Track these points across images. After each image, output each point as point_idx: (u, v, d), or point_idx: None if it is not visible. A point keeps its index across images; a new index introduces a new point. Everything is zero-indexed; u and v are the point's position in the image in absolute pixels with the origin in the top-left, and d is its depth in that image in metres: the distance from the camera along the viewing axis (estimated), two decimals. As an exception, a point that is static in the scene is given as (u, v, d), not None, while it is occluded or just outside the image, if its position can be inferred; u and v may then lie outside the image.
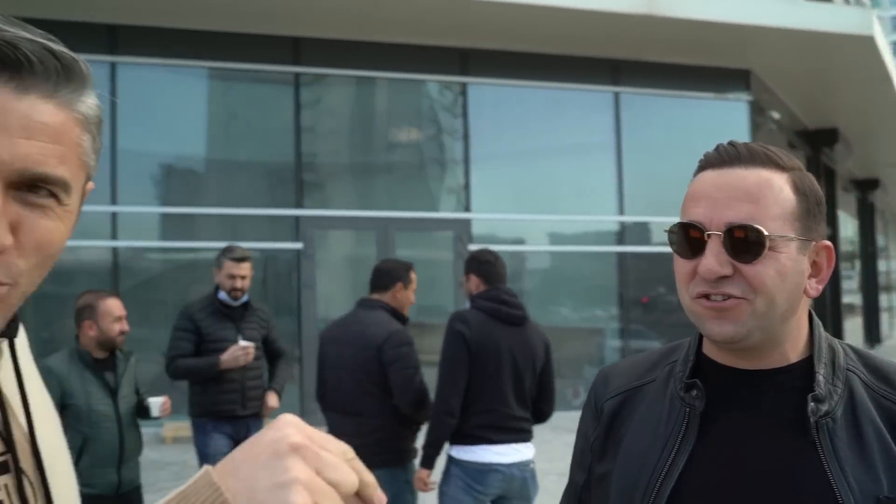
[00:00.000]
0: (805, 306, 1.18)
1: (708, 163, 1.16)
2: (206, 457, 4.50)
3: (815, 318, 1.20)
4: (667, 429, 1.17)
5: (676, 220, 1.17)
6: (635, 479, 1.16)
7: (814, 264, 1.15)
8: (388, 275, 3.99)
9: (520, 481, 3.71)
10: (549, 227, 10.84)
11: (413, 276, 4.04)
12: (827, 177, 16.90)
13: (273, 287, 9.89)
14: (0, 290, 0.71)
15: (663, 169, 11.30)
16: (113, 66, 9.21)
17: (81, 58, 0.75)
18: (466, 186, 10.44)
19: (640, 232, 11.38)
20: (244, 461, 0.64)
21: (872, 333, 23.07)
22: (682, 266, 1.14)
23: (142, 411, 3.89)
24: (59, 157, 0.71)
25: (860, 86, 13.02)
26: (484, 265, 3.86)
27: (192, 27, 9.17)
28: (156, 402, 3.88)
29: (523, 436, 3.74)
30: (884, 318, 25.85)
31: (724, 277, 1.08)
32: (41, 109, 0.70)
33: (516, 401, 3.70)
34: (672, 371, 1.23)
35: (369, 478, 0.69)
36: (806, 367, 1.14)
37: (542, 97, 10.85)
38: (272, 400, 4.75)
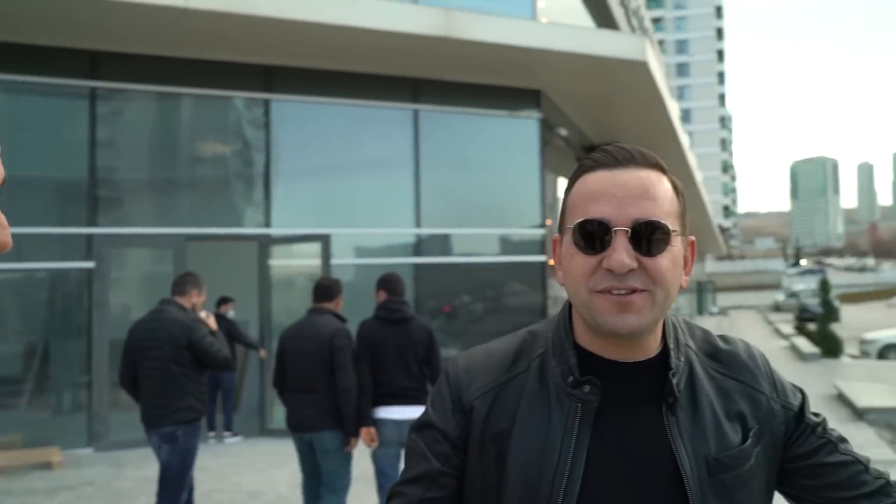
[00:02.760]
0: None
1: (599, 164, 1.19)
2: None
3: None
4: (561, 426, 1.17)
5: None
6: (536, 480, 1.15)
7: (684, 257, 1.22)
8: (330, 289, 5.27)
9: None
10: (351, 241, 11.00)
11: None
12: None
13: (62, 307, 9.43)
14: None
15: (459, 183, 11.83)
16: None
17: None
18: (267, 201, 10.44)
19: (437, 243, 11.81)
20: None
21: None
22: (582, 262, 1.15)
23: None
24: None
25: (637, 106, 14.19)
26: (389, 283, 5.27)
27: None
28: None
29: (411, 400, 5.05)
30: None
31: (630, 271, 1.11)
32: None
33: (406, 375, 5.07)
34: (544, 364, 1.24)
35: None
36: (663, 354, 1.22)
37: (345, 114, 11.06)
38: None
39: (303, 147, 10.91)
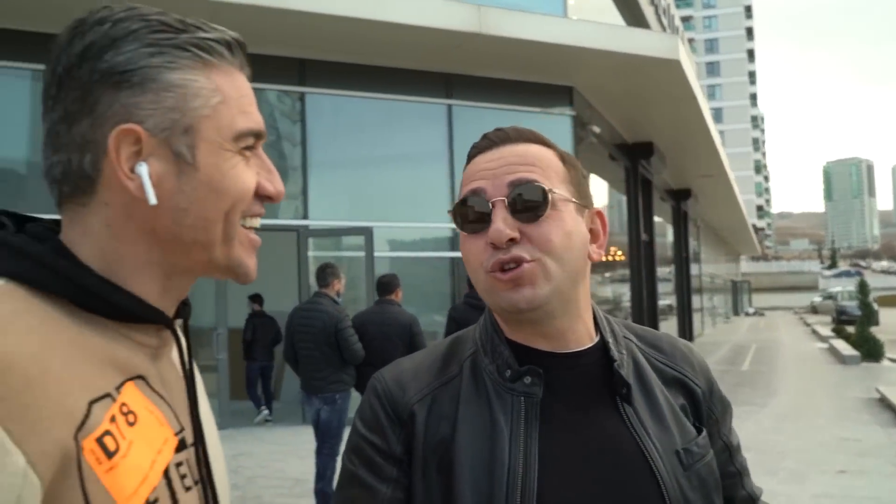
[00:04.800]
0: (589, 277, 1.19)
1: (478, 149, 1.15)
2: None
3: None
4: (506, 424, 1.08)
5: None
6: (488, 486, 1.04)
7: (591, 231, 1.15)
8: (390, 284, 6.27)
9: None
10: (386, 234, 11.14)
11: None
12: (644, 187, 18.22)
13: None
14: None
15: (493, 178, 11.91)
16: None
17: None
18: (304, 193, 10.62)
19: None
20: None
21: (686, 331, 24.99)
22: (472, 245, 1.10)
23: None
24: None
25: (670, 104, 14.19)
26: None
27: None
28: None
29: None
30: (696, 317, 28.25)
31: (512, 241, 1.05)
32: None
33: None
34: (476, 364, 1.15)
35: None
36: (600, 344, 1.16)
37: (378, 108, 11.21)
38: None
39: (337, 140, 11.07)
